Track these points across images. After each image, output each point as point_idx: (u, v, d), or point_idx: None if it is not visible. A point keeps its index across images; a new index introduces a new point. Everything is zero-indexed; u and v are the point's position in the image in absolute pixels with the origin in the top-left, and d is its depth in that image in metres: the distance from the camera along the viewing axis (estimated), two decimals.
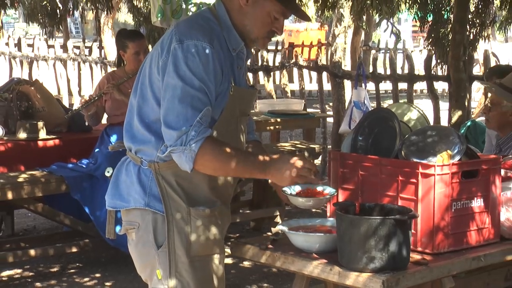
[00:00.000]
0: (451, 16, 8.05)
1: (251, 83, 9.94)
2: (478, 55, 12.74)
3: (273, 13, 2.84)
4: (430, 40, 8.54)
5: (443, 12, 8.53)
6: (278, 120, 7.70)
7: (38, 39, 16.64)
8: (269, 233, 4.48)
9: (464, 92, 7.57)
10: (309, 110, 9.34)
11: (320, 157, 9.18)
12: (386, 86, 11.93)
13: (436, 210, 2.88)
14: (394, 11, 8.99)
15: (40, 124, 6.24)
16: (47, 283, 5.59)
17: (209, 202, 2.90)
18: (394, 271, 2.65)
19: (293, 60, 10.65)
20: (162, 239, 2.85)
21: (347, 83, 9.70)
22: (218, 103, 2.81)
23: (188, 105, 2.71)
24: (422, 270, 2.73)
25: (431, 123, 4.50)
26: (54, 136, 6.33)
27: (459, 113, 7.32)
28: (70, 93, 13.77)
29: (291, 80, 14.02)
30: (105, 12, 11.67)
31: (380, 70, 11.23)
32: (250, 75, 10.84)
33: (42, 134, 6.24)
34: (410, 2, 8.74)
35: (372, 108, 7.19)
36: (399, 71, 11.32)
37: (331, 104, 10.13)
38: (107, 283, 5.57)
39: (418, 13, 8.76)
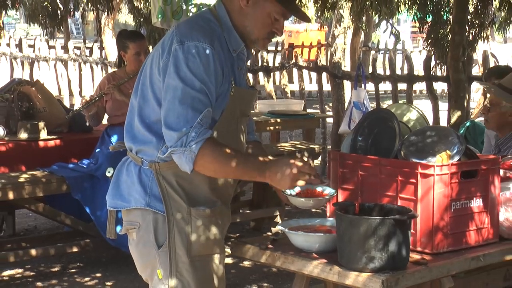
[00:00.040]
0: (450, 17, 8.04)
1: (251, 83, 9.93)
2: (477, 56, 12.74)
3: (273, 14, 2.85)
4: (430, 40, 8.53)
5: (442, 13, 8.52)
6: (278, 120, 7.70)
7: (39, 40, 16.65)
8: (269, 233, 4.49)
9: (463, 93, 7.56)
10: (309, 110, 9.34)
11: (320, 157, 9.19)
12: (385, 86, 11.89)
13: (436, 210, 2.89)
14: (394, 12, 8.96)
15: (41, 124, 6.25)
16: (48, 282, 5.60)
17: (209, 202, 2.91)
18: (393, 271, 2.65)
19: (293, 61, 10.66)
20: (163, 239, 2.86)
21: (347, 84, 9.70)
22: (219, 104, 2.81)
23: (189, 106, 2.71)
24: (422, 270, 2.74)
25: (431, 123, 4.50)
26: (55, 137, 6.34)
27: (458, 113, 7.32)
28: (71, 94, 13.76)
29: (291, 80, 14.01)
30: (106, 13, 11.68)
31: (380, 70, 11.26)
32: (250, 75, 10.84)
33: (43, 134, 6.25)
34: (410, 3, 8.73)
35: (372, 109, 7.20)
36: (398, 72, 11.31)
37: (330, 104, 10.13)
38: (108, 283, 5.57)
39: (418, 14, 8.74)
